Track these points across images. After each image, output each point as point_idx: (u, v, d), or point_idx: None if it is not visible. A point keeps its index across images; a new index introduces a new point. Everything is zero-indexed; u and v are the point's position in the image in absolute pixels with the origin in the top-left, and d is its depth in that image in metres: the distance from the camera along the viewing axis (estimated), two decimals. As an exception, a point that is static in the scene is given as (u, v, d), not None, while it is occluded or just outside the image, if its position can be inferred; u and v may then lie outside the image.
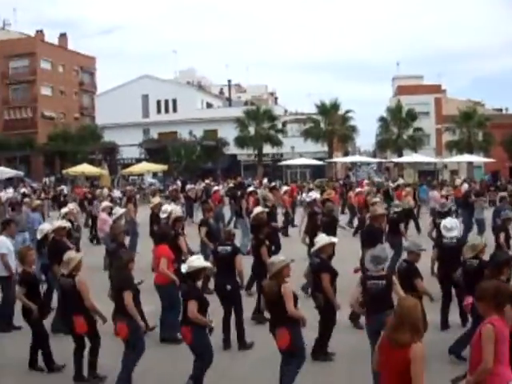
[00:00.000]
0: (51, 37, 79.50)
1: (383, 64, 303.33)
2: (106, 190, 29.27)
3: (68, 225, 12.54)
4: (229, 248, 10.30)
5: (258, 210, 13.39)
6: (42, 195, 35.51)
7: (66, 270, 8.35)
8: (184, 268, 7.89)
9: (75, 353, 8.45)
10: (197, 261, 8.02)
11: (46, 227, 11.73)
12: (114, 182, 48.83)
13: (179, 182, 43.86)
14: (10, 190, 36.37)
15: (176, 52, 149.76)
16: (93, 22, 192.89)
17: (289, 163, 52.37)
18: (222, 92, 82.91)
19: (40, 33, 76.08)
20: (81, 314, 8.18)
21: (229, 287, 9.76)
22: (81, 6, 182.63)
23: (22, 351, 9.19)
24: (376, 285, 7.86)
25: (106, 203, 19.19)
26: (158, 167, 49.12)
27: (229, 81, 77.83)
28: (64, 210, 15.64)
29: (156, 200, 17.78)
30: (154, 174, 55.55)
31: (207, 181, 39.55)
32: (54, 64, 75.15)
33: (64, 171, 48.96)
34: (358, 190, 25.59)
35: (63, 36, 79.94)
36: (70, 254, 8.66)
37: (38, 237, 11.44)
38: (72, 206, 18.24)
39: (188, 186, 33.37)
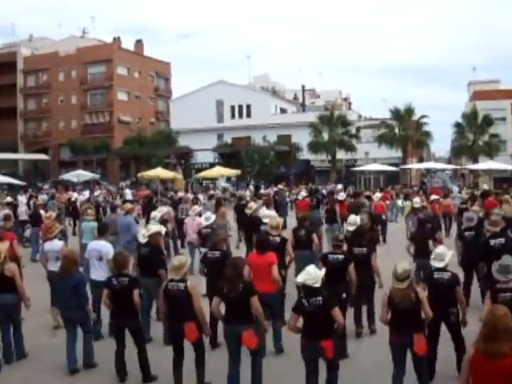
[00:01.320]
0: (127, 43, 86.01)
1: (459, 69, 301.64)
2: (180, 194, 30.64)
3: (164, 229, 12.99)
4: (340, 256, 10.50)
5: (356, 218, 13.38)
6: (118, 198, 38.51)
7: (178, 275, 8.44)
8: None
9: (174, 362, 8.56)
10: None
11: (144, 231, 12.03)
12: (188, 186, 50.82)
13: (252, 187, 47.17)
14: (86, 193, 39.88)
15: (250, 57, 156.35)
16: (168, 28, 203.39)
17: (362, 169, 53.90)
18: (295, 97, 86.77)
19: (117, 40, 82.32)
20: (192, 321, 8.28)
21: (344, 295, 10.01)
22: (156, 13, 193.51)
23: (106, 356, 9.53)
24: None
25: (196, 207, 19.87)
26: (232, 172, 51.09)
27: (303, 86, 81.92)
28: (155, 213, 16.44)
29: (254, 205, 18.04)
30: (228, 179, 57.21)
31: (280, 186, 41.09)
32: (131, 70, 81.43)
33: (139, 175, 51.68)
34: (433, 197, 25.25)
35: (139, 42, 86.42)
36: (181, 259, 8.86)
37: (142, 241, 11.70)
38: (166, 209, 19.59)
39: (262, 191, 35.48)
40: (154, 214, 16.09)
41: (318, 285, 7.56)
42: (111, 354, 9.24)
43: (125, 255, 9.58)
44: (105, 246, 11.39)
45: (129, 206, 18.38)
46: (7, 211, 20.13)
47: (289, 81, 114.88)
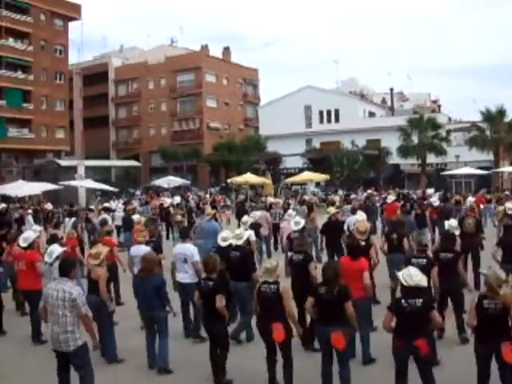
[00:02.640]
0: (215, 51, 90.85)
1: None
2: (270, 198, 32.08)
3: (251, 233, 14.07)
4: (424, 261, 10.82)
5: (455, 222, 13.87)
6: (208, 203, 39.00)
7: (271, 277, 9.19)
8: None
9: (268, 359, 9.32)
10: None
11: (225, 234, 12.95)
12: (277, 191, 53.01)
13: (341, 192, 48.44)
14: (178, 198, 41.55)
15: (337, 62, 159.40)
16: (255, 34, 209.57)
17: (453, 173, 54.25)
18: (384, 101, 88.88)
19: (205, 48, 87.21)
20: (281, 322, 8.88)
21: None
22: (243, 21, 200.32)
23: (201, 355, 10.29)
24: None
25: (292, 212, 20.85)
26: (321, 177, 53.00)
27: (391, 89, 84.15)
28: (246, 218, 17.10)
29: (332, 210, 18.74)
30: (317, 184, 59.18)
31: (369, 191, 42.53)
32: (219, 77, 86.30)
33: (229, 180, 54.75)
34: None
35: (227, 50, 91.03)
36: (273, 262, 9.53)
37: (222, 244, 12.58)
38: (259, 214, 20.76)
39: (352, 196, 36.24)
40: (245, 218, 16.54)
41: (423, 284, 8.20)
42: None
43: (215, 259, 10.20)
44: (189, 249, 12.26)
45: (212, 211, 19.64)
46: (105, 216, 22.57)
47: (377, 84, 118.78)
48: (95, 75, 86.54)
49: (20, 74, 71.10)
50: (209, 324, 9.84)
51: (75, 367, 8.49)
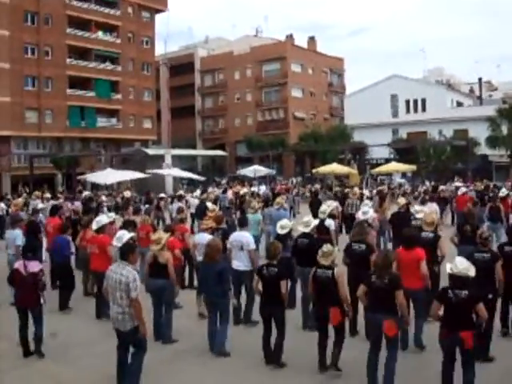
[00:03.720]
0: (300, 41, 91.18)
1: None
2: (356, 189, 30.39)
3: (331, 222, 14.61)
4: (487, 255, 10.47)
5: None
6: (294, 193, 40.53)
7: (327, 261, 9.47)
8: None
9: (320, 343, 9.56)
10: None
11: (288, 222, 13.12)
12: (363, 181, 52.15)
13: (428, 183, 47.46)
14: (263, 187, 42.98)
15: (424, 50, 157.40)
16: (341, 24, 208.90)
17: None
18: (471, 90, 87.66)
19: (290, 37, 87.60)
20: (337, 306, 9.17)
21: (490, 296, 10.02)
22: (329, 10, 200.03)
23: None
24: None
25: (367, 201, 21.10)
26: (407, 167, 52.15)
27: (479, 79, 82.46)
28: (325, 207, 16.66)
29: (402, 201, 18.62)
30: (403, 174, 59.90)
31: (457, 182, 41.36)
32: (304, 66, 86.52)
33: (314, 170, 54.89)
34: None
35: (312, 39, 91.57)
36: (330, 247, 9.75)
37: (280, 232, 12.76)
38: (335, 204, 20.72)
39: (442, 187, 34.71)
40: (323, 207, 16.25)
41: (469, 273, 8.23)
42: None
43: (277, 245, 10.38)
44: (245, 237, 12.35)
45: (281, 200, 19.85)
46: (180, 204, 23.27)
47: (464, 74, 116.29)
48: (181, 66, 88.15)
49: (108, 66, 73.48)
50: (269, 309, 9.94)
51: (130, 344, 8.89)
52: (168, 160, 52.73)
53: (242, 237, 12.47)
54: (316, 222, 13.12)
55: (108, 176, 41.73)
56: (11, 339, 11.31)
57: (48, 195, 31.63)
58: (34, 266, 10.70)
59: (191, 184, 56.36)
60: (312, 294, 9.80)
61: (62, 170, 62.76)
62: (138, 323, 8.65)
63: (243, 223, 13.34)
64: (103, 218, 14.38)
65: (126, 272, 8.63)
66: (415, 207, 17.54)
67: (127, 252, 9.04)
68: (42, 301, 10.61)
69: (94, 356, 10.66)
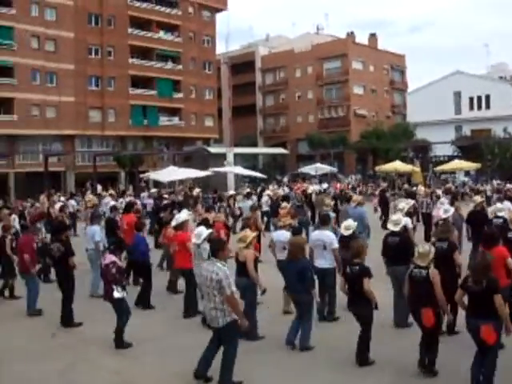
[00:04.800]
0: (361, 37, 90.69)
1: None
2: (421, 187, 31.22)
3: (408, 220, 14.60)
4: None
5: None
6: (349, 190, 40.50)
7: (423, 262, 9.34)
8: None
9: (422, 343, 9.43)
10: None
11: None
12: (427, 179, 51.67)
13: (495, 182, 46.79)
14: (325, 185, 42.45)
15: (488, 46, 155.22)
16: (402, 20, 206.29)
17: None
18: None
19: (350, 34, 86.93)
20: (430, 307, 9.01)
21: None
22: (390, 6, 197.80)
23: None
24: None
25: (443, 199, 21.18)
26: (471, 165, 51.44)
27: None
28: (403, 204, 16.63)
29: (478, 199, 18.44)
30: (467, 172, 58.81)
31: None
32: (365, 64, 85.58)
33: (376, 168, 54.79)
34: None
35: (373, 36, 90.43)
36: (426, 247, 9.68)
37: (346, 233, 12.84)
38: (413, 202, 19.92)
39: (508, 186, 35.24)
40: (401, 205, 16.33)
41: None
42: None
43: (360, 244, 10.40)
44: (328, 236, 12.41)
45: (359, 197, 19.92)
46: (251, 202, 23.73)
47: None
48: (242, 64, 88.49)
49: (170, 65, 74.20)
50: (354, 307, 10.00)
51: (222, 341, 8.99)
52: (230, 158, 52.96)
53: (325, 236, 12.51)
54: (405, 220, 13.18)
55: (170, 174, 41.82)
56: (80, 332, 11.97)
57: (111, 192, 32.12)
58: (107, 259, 11.12)
59: (252, 182, 56.38)
60: (407, 294, 9.73)
61: (124, 168, 63.62)
62: (232, 319, 8.73)
63: (325, 221, 13.29)
64: (183, 215, 14.55)
65: (217, 269, 8.71)
66: (497, 205, 17.21)
67: (217, 249, 9.11)
68: (116, 294, 10.87)
69: (160, 353, 10.85)
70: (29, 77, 60.89)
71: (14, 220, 20.64)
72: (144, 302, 14.11)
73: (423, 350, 9.42)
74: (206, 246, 11.71)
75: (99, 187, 47.12)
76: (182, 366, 9.91)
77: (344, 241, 12.40)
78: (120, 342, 11.08)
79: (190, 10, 76.93)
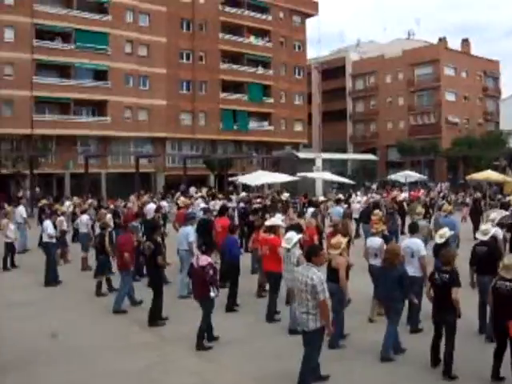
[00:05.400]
0: (454, 43, 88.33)
1: None
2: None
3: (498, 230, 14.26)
4: None
5: None
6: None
7: (508, 274, 9.26)
8: None
9: (495, 354, 9.39)
10: None
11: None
12: None
13: None
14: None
15: None
16: (496, 24, 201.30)
17: None
18: None
19: (443, 40, 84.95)
20: None
21: None
22: (484, 10, 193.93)
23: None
24: None
25: None
26: None
27: None
28: (495, 215, 16.43)
29: None
30: None
31: None
32: (458, 70, 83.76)
33: (468, 177, 51.50)
34: None
35: (465, 41, 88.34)
36: (511, 259, 9.59)
37: (438, 241, 12.83)
38: (506, 213, 20.26)
39: None
40: (493, 215, 16.21)
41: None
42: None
43: (452, 252, 10.31)
44: (417, 244, 12.41)
45: (449, 207, 20.10)
46: (341, 209, 23.67)
47: None
48: (333, 70, 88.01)
49: (260, 70, 74.44)
50: (439, 315, 9.84)
51: (305, 344, 9.06)
52: (318, 163, 52.69)
53: (414, 243, 12.45)
54: (494, 230, 12.93)
55: (258, 178, 42.21)
56: (163, 331, 12.21)
57: (203, 194, 32.28)
58: (203, 260, 11.27)
59: (340, 188, 55.63)
60: (491, 305, 9.61)
61: (214, 171, 64.10)
62: (323, 324, 8.76)
63: (414, 229, 13.23)
64: (277, 220, 14.83)
65: (312, 274, 8.74)
66: None
67: (311, 254, 9.13)
68: (211, 294, 11.09)
69: (242, 356, 10.88)
70: (122, 80, 62.36)
71: (110, 219, 21.02)
72: (231, 303, 14.28)
73: (497, 361, 9.34)
74: (296, 250, 12.04)
75: (193, 189, 47.38)
76: (261, 371, 9.96)
77: (437, 249, 12.36)
78: (201, 343, 11.30)
79: (281, 15, 77.12)
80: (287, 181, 43.23)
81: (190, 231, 15.92)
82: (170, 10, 65.59)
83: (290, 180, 42.92)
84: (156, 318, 12.93)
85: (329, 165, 59.48)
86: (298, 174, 45.69)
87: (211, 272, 11.10)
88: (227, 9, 71.31)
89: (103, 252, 16.41)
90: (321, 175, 49.20)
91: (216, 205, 28.63)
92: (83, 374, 9.99)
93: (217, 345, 11.36)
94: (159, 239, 14.35)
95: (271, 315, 13.24)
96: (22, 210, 26.31)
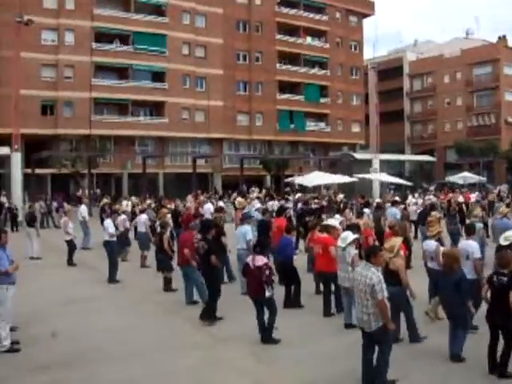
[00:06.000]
0: None
1: None
2: None
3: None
4: None
5: None
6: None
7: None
8: None
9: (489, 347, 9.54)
10: None
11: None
12: None
13: None
14: (474, 195, 39.67)
15: None
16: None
17: None
18: None
19: (502, 39, 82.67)
20: None
21: None
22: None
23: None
24: None
25: None
26: None
27: None
28: None
29: None
30: None
31: None
32: None
33: None
34: None
35: None
36: None
37: (504, 243, 11.93)
38: None
39: None
40: None
41: None
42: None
43: (509, 255, 9.94)
44: (472, 246, 12.11)
45: (506, 209, 19.80)
46: (396, 210, 23.63)
47: None
48: (390, 70, 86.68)
49: (317, 71, 74.10)
50: (495, 318, 9.54)
51: (376, 343, 8.88)
52: (376, 164, 52.06)
53: (469, 246, 12.21)
54: None
55: (315, 179, 41.92)
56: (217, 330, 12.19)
57: (259, 195, 32.11)
58: (259, 260, 11.24)
59: (398, 190, 54.87)
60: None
61: (270, 171, 64.06)
62: (384, 322, 8.67)
63: (470, 231, 13.03)
64: (333, 220, 14.75)
65: (371, 273, 8.67)
66: None
67: (371, 254, 9.03)
68: (267, 293, 11.06)
69: (296, 358, 10.55)
70: (180, 81, 62.88)
71: (169, 219, 21.19)
72: (291, 302, 14.16)
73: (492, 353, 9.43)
74: (351, 250, 12.03)
75: (256, 190, 47.49)
76: (315, 374, 9.67)
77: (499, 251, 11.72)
78: (269, 338, 11.33)
79: (338, 15, 76.71)
80: (344, 182, 42.92)
81: (247, 230, 15.93)
82: (226, 12, 65.93)
83: (346, 181, 42.58)
84: (209, 317, 12.83)
85: (386, 166, 58.89)
86: (355, 175, 45.23)
87: (267, 272, 11.11)
88: (283, 9, 71.23)
89: (162, 250, 16.71)
90: (378, 176, 48.70)
91: (273, 205, 28.61)
92: (141, 372, 10.05)
93: (270, 345, 11.19)
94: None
95: (327, 313, 13.24)
96: (83, 210, 26.64)
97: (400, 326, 11.08)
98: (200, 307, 13.37)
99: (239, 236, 16.07)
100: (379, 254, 9.15)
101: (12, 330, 11.37)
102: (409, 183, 51.58)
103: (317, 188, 46.44)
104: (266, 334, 11.31)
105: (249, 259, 11.64)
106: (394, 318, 10.07)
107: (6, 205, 36.83)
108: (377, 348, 8.89)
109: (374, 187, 50.04)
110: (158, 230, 18.00)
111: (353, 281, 9.33)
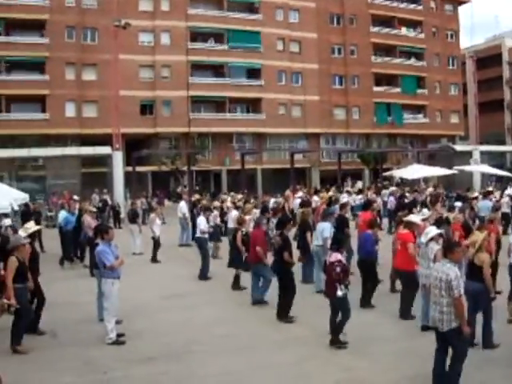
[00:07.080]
0: None
1: None
2: None
3: None
4: None
5: None
6: None
7: None
8: None
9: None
10: None
11: None
12: None
13: None
14: None
15: None
16: None
17: None
18: None
19: None
20: None
21: None
22: None
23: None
24: None
25: None
26: None
27: None
28: None
29: None
30: None
31: None
32: None
33: None
34: None
35: None
36: None
37: None
38: None
39: None
40: None
41: None
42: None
43: None
44: None
45: None
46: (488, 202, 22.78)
47: None
48: (488, 58, 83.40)
49: (414, 62, 72.61)
50: None
51: (450, 345, 8.39)
52: (476, 156, 50.55)
53: None
54: None
55: (414, 172, 41.20)
56: (313, 328, 11.98)
57: (348, 189, 31.54)
58: (332, 257, 10.92)
59: (500, 181, 52.73)
60: None
61: (368, 165, 63.37)
62: (457, 325, 8.17)
63: None
64: (414, 216, 14.18)
65: (447, 269, 8.26)
66: None
67: (447, 250, 8.58)
68: (338, 292, 10.59)
69: (392, 353, 10.42)
70: (275, 77, 63.10)
71: (255, 214, 20.78)
72: (366, 300, 13.76)
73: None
74: (434, 245, 11.33)
75: (359, 183, 46.94)
76: (415, 369, 9.47)
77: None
78: (335, 340, 10.82)
79: (432, 4, 74.88)
80: (444, 174, 42.27)
81: (325, 227, 15.47)
82: (319, 6, 65.66)
83: (446, 173, 41.89)
84: (284, 314, 12.62)
85: (487, 157, 56.87)
86: (455, 168, 44.23)
87: (338, 269, 10.60)
88: (377, 1, 70.20)
89: (235, 247, 16.48)
90: (478, 168, 47.60)
91: (356, 200, 27.77)
92: (241, 366, 10.06)
93: (367, 342, 10.97)
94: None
95: (404, 313, 12.61)
96: (183, 206, 26.88)
97: (475, 329, 10.33)
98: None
99: (317, 232, 15.83)
100: (456, 250, 8.58)
101: (117, 322, 11.67)
102: (510, 175, 49.21)
103: (416, 181, 45.29)
104: (333, 336, 10.85)
105: (327, 256, 11.33)
106: (469, 318, 9.64)
107: (109, 202, 37.52)
108: (450, 351, 8.39)
109: (475, 179, 48.86)
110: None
111: (429, 278, 8.94)
